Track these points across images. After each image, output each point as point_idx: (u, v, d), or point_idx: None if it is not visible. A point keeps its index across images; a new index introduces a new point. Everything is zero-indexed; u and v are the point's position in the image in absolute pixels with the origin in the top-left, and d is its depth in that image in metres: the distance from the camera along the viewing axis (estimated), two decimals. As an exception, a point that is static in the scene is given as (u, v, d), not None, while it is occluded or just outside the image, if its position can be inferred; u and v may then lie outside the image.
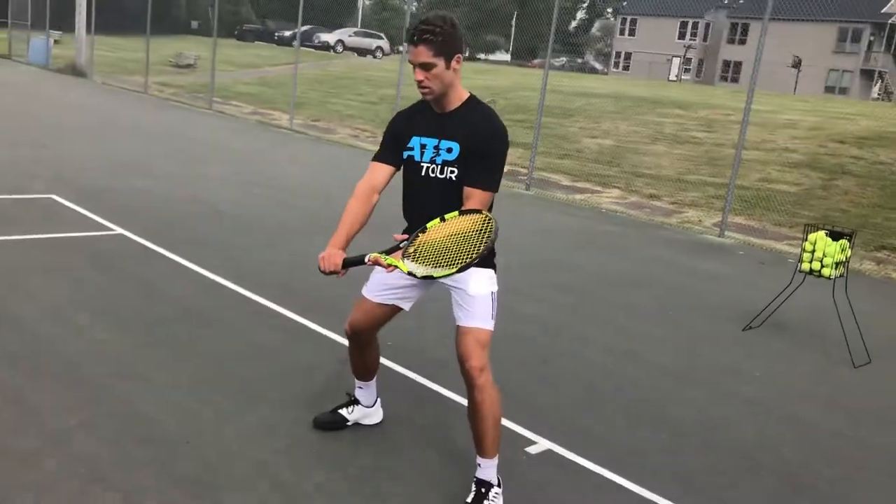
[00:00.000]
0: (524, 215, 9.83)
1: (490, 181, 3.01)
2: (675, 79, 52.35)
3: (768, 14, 9.59)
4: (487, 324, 3.08)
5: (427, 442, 3.69)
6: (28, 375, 3.86)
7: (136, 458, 3.26)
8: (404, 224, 3.23)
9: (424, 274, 2.75)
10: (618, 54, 61.18)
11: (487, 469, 3.16)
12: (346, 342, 3.52)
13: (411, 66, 2.97)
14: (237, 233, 7.18)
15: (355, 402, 3.72)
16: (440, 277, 2.76)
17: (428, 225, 2.86)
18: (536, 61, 45.86)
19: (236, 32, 46.88)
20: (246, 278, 5.70)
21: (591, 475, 3.55)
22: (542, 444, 3.77)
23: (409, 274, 2.77)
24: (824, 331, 5.99)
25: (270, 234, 7.26)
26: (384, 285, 3.25)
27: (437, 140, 3.06)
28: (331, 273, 2.90)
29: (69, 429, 3.42)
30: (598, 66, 63.61)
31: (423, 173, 3.10)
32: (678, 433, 4.10)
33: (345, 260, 2.89)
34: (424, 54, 2.90)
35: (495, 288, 3.14)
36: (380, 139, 3.26)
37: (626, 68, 58.30)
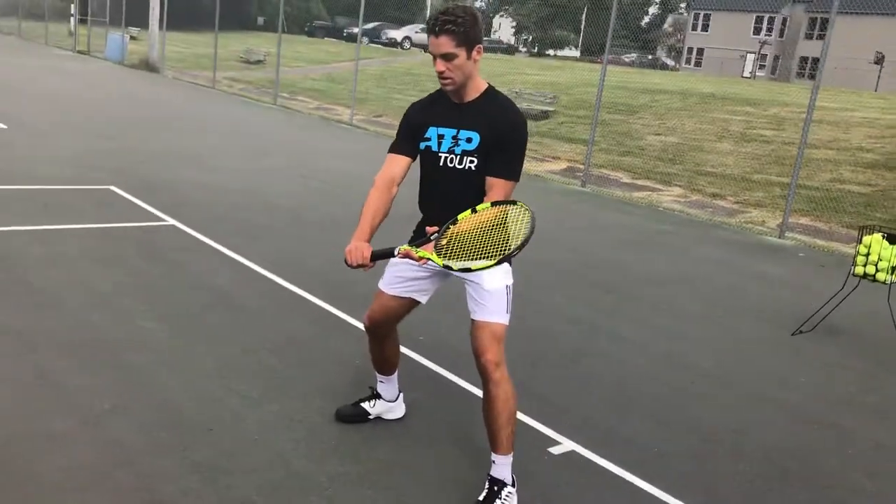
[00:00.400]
0: (577, 212, 9.72)
1: (512, 171, 2.99)
2: (749, 75, 50.94)
3: (836, 8, 9.23)
4: (503, 318, 3.06)
5: (447, 437, 3.68)
6: (69, 360, 4.00)
7: (161, 443, 3.34)
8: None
9: (461, 267, 2.72)
10: (689, 50, 59.91)
11: (502, 466, 3.14)
12: None
13: (431, 56, 2.96)
14: (286, 225, 7.29)
15: (377, 396, 3.73)
16: (479, 270, 2.73)
17: (459, 217, 2.81)
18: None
19: (306, 29, 47.68)
20: (287, 269, 5.79)
21: (613, 478, 3.49)
22: (565, 445, 3.72)
23: (446, 267, 2.74)
24: (880, 338, 5.75)
25: (317, 227, 7.36)
26: (399, 278, 3.26)
27: (456, 130, 3.05)
28: (358, 266, 2.85)
29: (102, 413, 3.53)
30: (669, 62, 62.43)
31: (441, 163, 3.08)
32: (708, 438, 3.99)
33: (373, 252, 2.83)
34: (447, 45, 2.88)
35: (510, 281, 3.11)
36: None
37: (697, 64, 57.01)
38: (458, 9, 2.91)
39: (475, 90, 3.04)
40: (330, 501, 3.08)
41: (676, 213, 10.62)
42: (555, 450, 3.68)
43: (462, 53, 2.89)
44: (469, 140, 3.02)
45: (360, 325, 4.81)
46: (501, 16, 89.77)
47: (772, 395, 4.66)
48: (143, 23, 24.26)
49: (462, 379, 4.26)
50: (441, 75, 2.94)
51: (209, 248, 6.22)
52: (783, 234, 9.46)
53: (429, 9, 59.11)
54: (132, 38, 28.06)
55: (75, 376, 3.84)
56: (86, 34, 27.69)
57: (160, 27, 23.14)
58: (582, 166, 13.04)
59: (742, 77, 47.80)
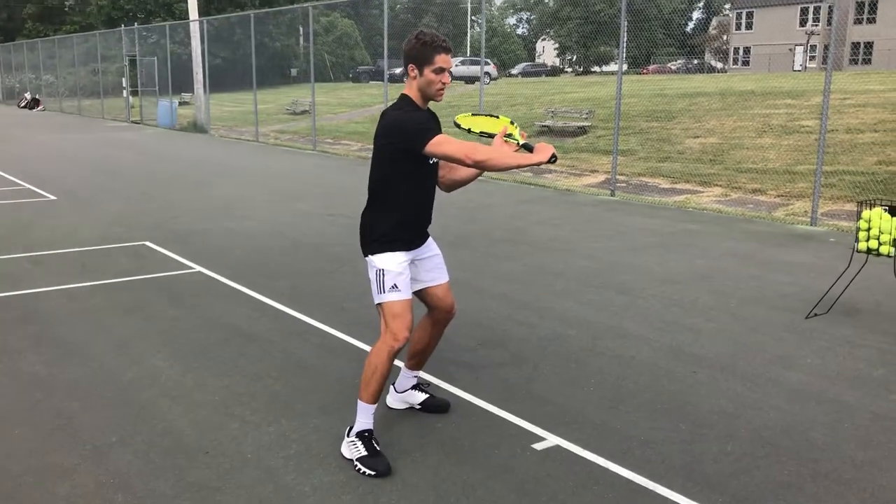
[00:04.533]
0: (600, 221, 9.74)
1: None
2: (799, 68, 49.83)
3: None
4: None
5: (438, 447, 3.79)
6: (83, 400, 4.29)
7: (158, 467, 3.56)
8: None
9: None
10: (736, 50, 59.02)
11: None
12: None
13: (438, 72, 3.40)
14: (308, 261, 7.55)
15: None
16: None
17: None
18: (651, 67, 44.95)
19: (351, 75, 48.85)
20: (301, 302, 6.02)
21: (594, 468, 3.56)
22: (549, 441, 3.81)
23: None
24: (898, 312, 5.63)
25: (337, 260, 7.58)
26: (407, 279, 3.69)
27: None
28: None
29: (108, 445, 3.78)
30: (717, 64, 61.48)
31: (432, 162, 3.58)
32: (700, 424, 4.01)
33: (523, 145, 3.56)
34: (451, 61, 3.41)
35: None
36: None
37: (745, 63, 56.10)
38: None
39: None
40: (311, 509, 3.24)
41: (706, 212, 10.54)
42: (538, 445, 3.76)
43: None
44: None
45: (364, 346, 5.01)
46: (543, 40, 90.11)
47: (774, 377, 4.63)
48: (192, 88, 25.27)
49: (469, 393, 4.39)
50: (444, 87, 3.42)
51: (230, 289, 6.51)
52: (815, 222, 9.30)
53: (468, 39, 59.83)
54: (183, 103, 29.24)
55: (87, 415, 4.11)
56: (138, 105, 29.00)
57: (204, 90, 24.08)
58: (621, 177, 13.06)
59: (793, 71, 46.79)
